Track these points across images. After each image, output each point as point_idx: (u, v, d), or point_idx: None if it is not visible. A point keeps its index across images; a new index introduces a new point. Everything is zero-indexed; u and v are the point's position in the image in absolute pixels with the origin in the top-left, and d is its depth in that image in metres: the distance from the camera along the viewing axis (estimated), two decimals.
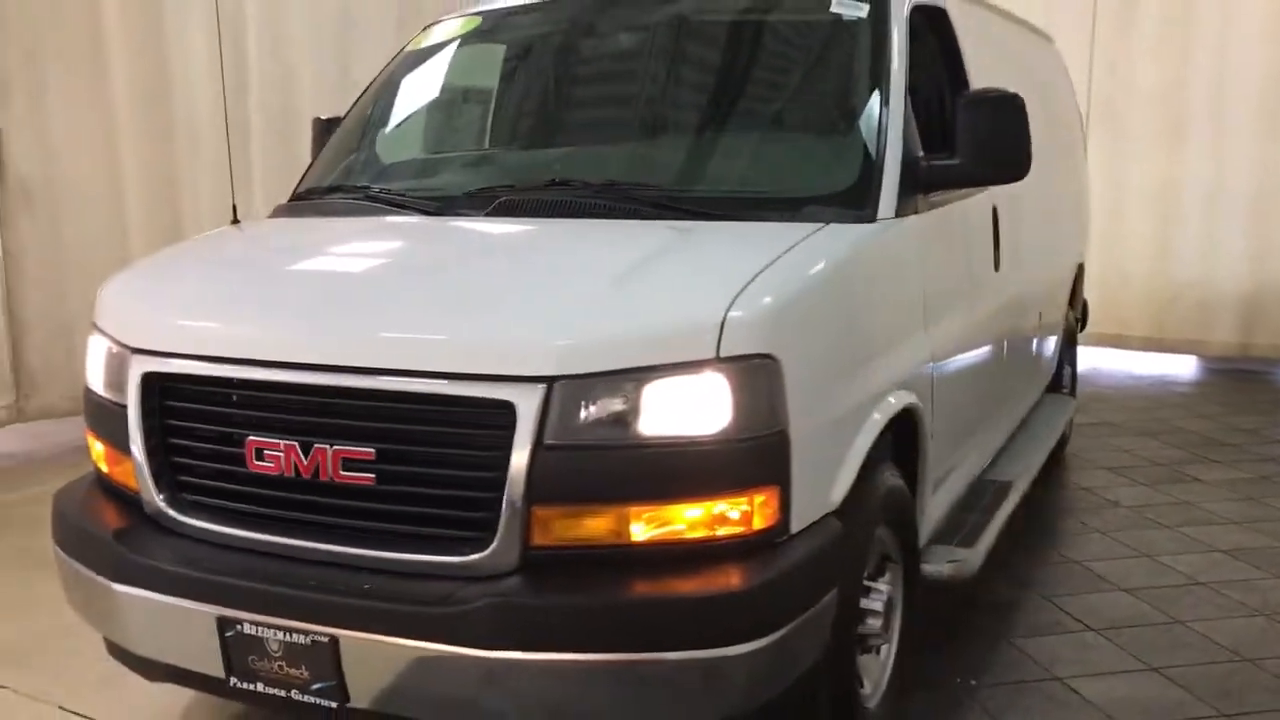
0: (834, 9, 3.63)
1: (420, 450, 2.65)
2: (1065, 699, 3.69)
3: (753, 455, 2.59)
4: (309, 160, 4.20)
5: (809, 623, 2.71)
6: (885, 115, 3.38)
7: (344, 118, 4.25)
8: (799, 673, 2.78)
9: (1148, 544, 5.09)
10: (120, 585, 2.92)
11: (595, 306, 2.69)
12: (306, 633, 2.67)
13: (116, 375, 3.09)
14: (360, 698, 2.68)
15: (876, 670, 3.33)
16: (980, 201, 4.10)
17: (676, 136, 3.71)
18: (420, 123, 4.27)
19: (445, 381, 2.59)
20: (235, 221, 3.99)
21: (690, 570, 2.59)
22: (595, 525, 2.57)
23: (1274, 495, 5.80)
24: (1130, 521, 5.40)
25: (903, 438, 3.47)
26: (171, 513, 2.96)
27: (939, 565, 3.70)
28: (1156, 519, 5.43)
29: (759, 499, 2.61)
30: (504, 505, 2.55)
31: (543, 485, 2.54)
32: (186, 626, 2.83)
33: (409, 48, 4.36)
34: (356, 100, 4.26)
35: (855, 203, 3.22)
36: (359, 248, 3.36)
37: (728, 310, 2.57)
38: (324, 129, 4.32)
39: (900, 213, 3.32)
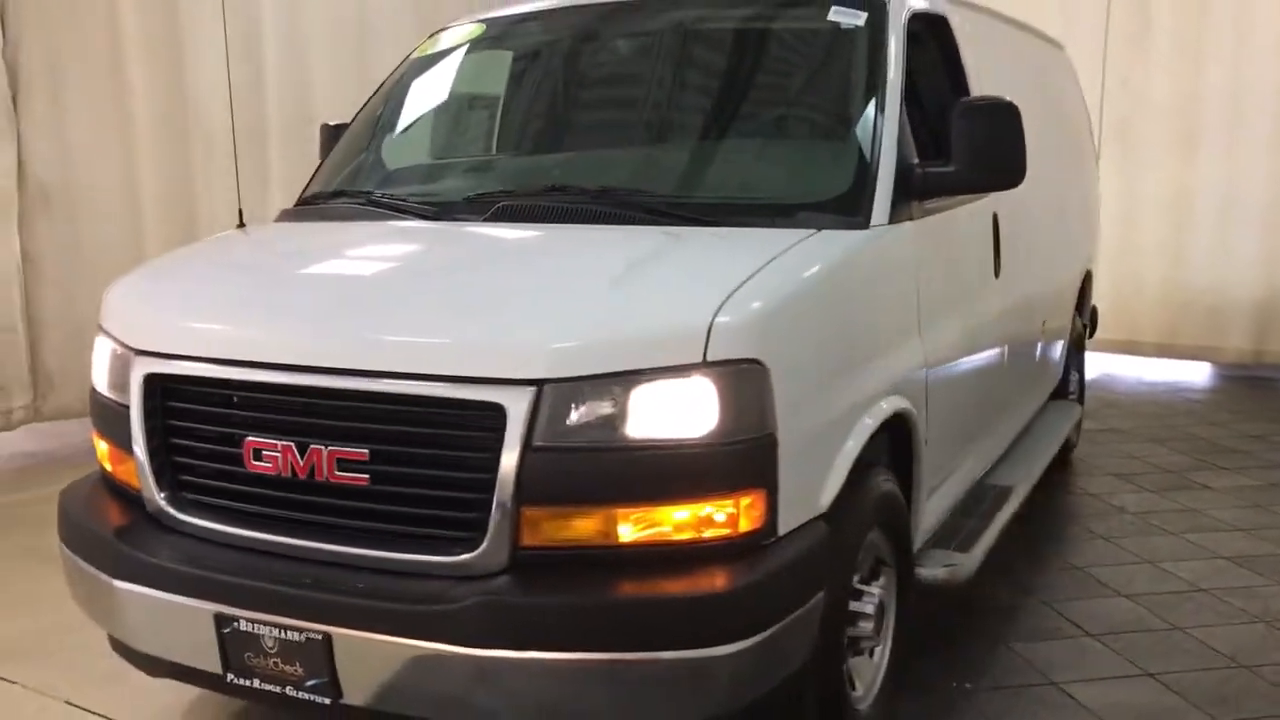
0: (831, 17, 3.67)
1: (412, 451, 2.69)
2: (1060, 703, 3.71)
3: (739, 458, 2.63)
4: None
5: (795, 624, 2.74)
6: (880, 122, 3.41)
7: (350, 124, 4.30)
8: (786, 673, 2.82)
9: (1151, 550, 5.09)
10: (121, 582, 2.98)
11: (585, 310, 2.73)
12: (300, 630, 2.72)
13: (120, 376, 3.15)
14: (353, 694, 2.73)
15: (869, 672, 3.36)
16: (980, 208, 4.12)
17: (674, 143, 3.75)
18: (424, 129, 4.33)
19: (436, 384, 2.64)
20: (241, 225, 4.04)
21: (678, 571, 2.62)
22: (584, 526, 2.61)
23: None
24: (1135, 528, 5.40)
25: (898, 442, 3.51)
26: (172, 511, 3.02)
27: (934, 569, 3.73)
28: (1161, 525, 5.43)
29: (745, 502, 2.64)
30: (494, 506, 2.60)
31: (532, 486, 2.58)
32: (185, 623, 2.88)
33: (415, 54, 4.42)
34: (363, 106, 4.32)
35: (848, 209, 3.25)
36: (357, 252, 3.41)
37: (715, 315, 2.61)
38: (331, 135, 4.39)
39: (894, 219, 3.35)
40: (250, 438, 2.86)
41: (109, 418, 3.21)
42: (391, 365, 2.69)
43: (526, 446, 2.57)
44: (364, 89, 4.52)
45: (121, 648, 3.26)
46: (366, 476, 2.74)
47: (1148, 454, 6.72)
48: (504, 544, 2.61)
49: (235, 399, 2.91)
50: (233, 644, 2.82)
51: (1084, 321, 6.68)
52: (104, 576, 3.03)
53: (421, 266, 3.23)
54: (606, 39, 4.14)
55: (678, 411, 2.59)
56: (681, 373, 2.59)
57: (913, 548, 3.58)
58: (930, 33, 4.13)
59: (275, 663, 2.78)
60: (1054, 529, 5.44)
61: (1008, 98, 3.66)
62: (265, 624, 2.76)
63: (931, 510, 3.82)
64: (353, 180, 4.00)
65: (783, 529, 2.74)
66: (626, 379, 2.58)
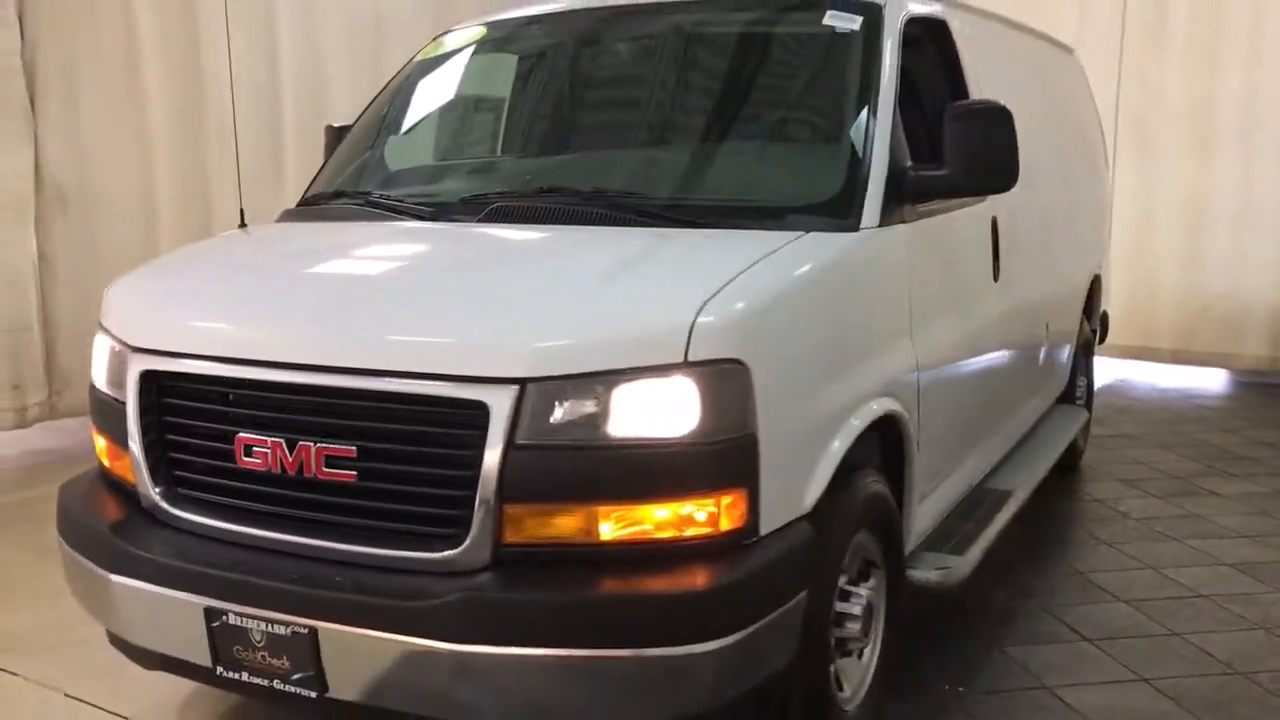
0: (827, 22, 3.68)
1: (398, 449, 2.73)
2: (1053, 707, 3.71)
3: (720, 458, 2.65)
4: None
5: (777, 623, 2.76)
6: (872, 126, 3.43)
7: (353, 125, 4.35)
8: (769, 673, 2.84)
9: (1154, 556, 5.08)
10: (115, 576, 3.03)
11: (568, 310, 2.76)
12: (287, 624, 2.75)
13: (118, 373, 3.20)
14: (339, 688, 2.76)
15: (858, 674, 3.37)
16: (978, 211, 4.12)
17: (669, 146, 3.78)
18: (426, 130, 4.36)
19: (421, 382, 2.68)
20: (243, 225, 4.09)
21: (659, 569, 2.65)
22: (565, 524, 2.64)
23: None
24: (1138, 533, 5.39)
25: (890, 444, 3.53)
26: (166, 506, 3.06)
27: (927, 572, 3.73)
28: (1165, 531, 5.41)
29: (726, 501, 2.66)
30: (477, 503, 2.63)
31: (514, 484, 2.61)
32: (176, 616, 2.92)
33: (418, 57, 4.46)
34: (366, 107, 4.36)
35: (838, 212, 3.27)
36: (350, 252, 3.45)
37: (697, 316, 2.64)
38: (335, 136, 4.43)
39: (885, 222, 3.36)
40: (241, 434, 2.90)
41: (107, 414, 3.26)
42: (377, 363, 2.72)
43: (509, 444, 2.60)
44: (378, 90, 4.57)
45: (117, 641, 3.30)
46: (353, 473, 2.77)
47: (1156, 460, 6.69)
48: (487, 541, 2.64)
49: (227, 396, 2.95)
50: (222, 637, 2.86)
51: (1093, 326, 6.65)
52: (99, 570, 3.08)
53: (411, 266, 3.27)
54: (604, 43, 4.17)
55: (659, 411, 2.61)
56: (663, 372, 2.61)
57: (904, 550, 3.58)
58: (929, 36, 4.14)
59: (263, 656, 2.82)
60: (1057, 533, 5.43)
61: (1002, 101, 3.68)
62: (253, 618, 2.80)
63: (925, 513, 3.82)
64: (353, 181, 4.05)
65: (765, 528, 2.76)
66: (608, 378, 2.61)
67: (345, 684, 2.76)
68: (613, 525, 2.63)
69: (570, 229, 3.31)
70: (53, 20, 6.74)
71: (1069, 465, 6.30)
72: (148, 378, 3.07)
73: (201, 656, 2.92)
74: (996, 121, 3.43)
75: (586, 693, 2.62)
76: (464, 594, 2.60)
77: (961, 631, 4.27)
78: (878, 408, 3.24)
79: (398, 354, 2.72)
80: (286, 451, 2.83)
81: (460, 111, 4.49)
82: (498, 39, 4.42)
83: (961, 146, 3.41)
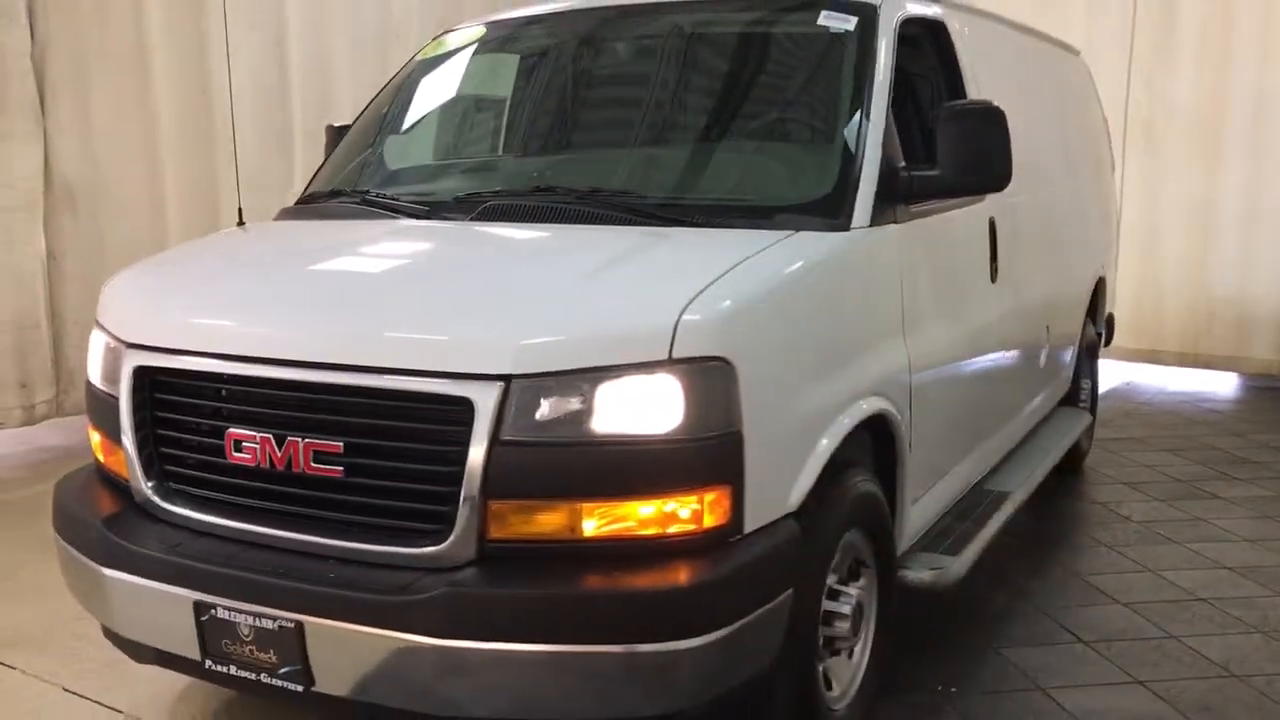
0: (822, 22, 3.69)
1: (384, 444, 2.75)
2: (1045, 709, 3.70)
3: (704, 455, 2.66)
4: None
5: (761, 621, 2.77)
6: (865, 126, 3.43)
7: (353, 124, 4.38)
8: (754, 670, 2.85)
9: (1154, 559, 5.06)
10: (108, 569, 3.05)
11: (555, 307, 2.77)
12: (274, 618, 2.77)
13: (112, 369, 3.22)
14: (325, 682, 2.78)
15: (847, 673, 3.37)
16: (975, 212, 4.12)
17: (663, 146, 3.79)
18: (423, 130, 4.39)
19: (407, 378, 2.69)
20: (241, 224, 4.12)
21: (642, 566, 2.66)
22: (549, 520, 2.65)
23: None
24: (1139, 536, 5.37)
25: (883, 444, 3.53)
26: (158, 501, 3.09)
27: (920, 572, 3.74)
28: (1167, 534, 5.39)
29: (710, 498, 2.67)
30: (461, 499, 2.64)
31: (498, 480, 2.63)
32: (166, 610, 2.95)
33: (418, 57, 4.49)
34: (365, 107, 4.39)
35: (828, 211, 3.28)
36: (342, 249, 3.47)
37: (681, 313, 2.65)
38: (336, 135, 4.46)
39: (877, 222, 3.36)
40: (231, 429, 2.92)
41: (101, 409, 3.29)
42: (364, 359, 2.74)
43: (494, 441, 2.61)
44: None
45: (112, 634, 3.32)
46: (341, 469, 2.79)
47: (1161, 463, 6.67)
48: (472, 537, 2.66)
49: (218, 391, 2.98)
50: (210, 631, 2.88)
51: (1098, 329, 6.63)
52: (92, 564, 3.10)
53: (401, 264, 3.29)
54: (600, 43, 4.18)
55: (643, 408, 2.62)
56: (647, 369, 2.62)
57: (895, 550, 3.58)
58: (927, 37, 4.14)
59: (250, 650, 2.84)
60: (1058, 535, 5.42)
61: (1001, 102, 3.68)
62: (241, 612, 2.82)
63: (919, 513, 3.82)
64: (351, 180, 4.07)
65: (750, 526, 2.76)
66: (593, 375, 2.62)
67: (331, 678, 2.77)
68: (596, 522, 2.64)
69: (562, 228, 3.32)
70: (62, 20, 6.78)
71: (1072, 468, 6.29)
72: (140, 373, 3.10)
73: (191, 650, 2.94)
74: (989, 122, 3.44)
75: (569, 688, 2.63)
76: (447, 589, 2.61)
77: (957, 632, 4.27)
78: (868, 407, 3.24)
79: (384, 350, 2.74)
80: (275, 447, 2.85)
81: (458, 111, 4.51)
82: (495, 39, 4.44)
83: (954, 147, 3.42)
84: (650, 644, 2.59)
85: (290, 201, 4.13)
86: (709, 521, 2.68)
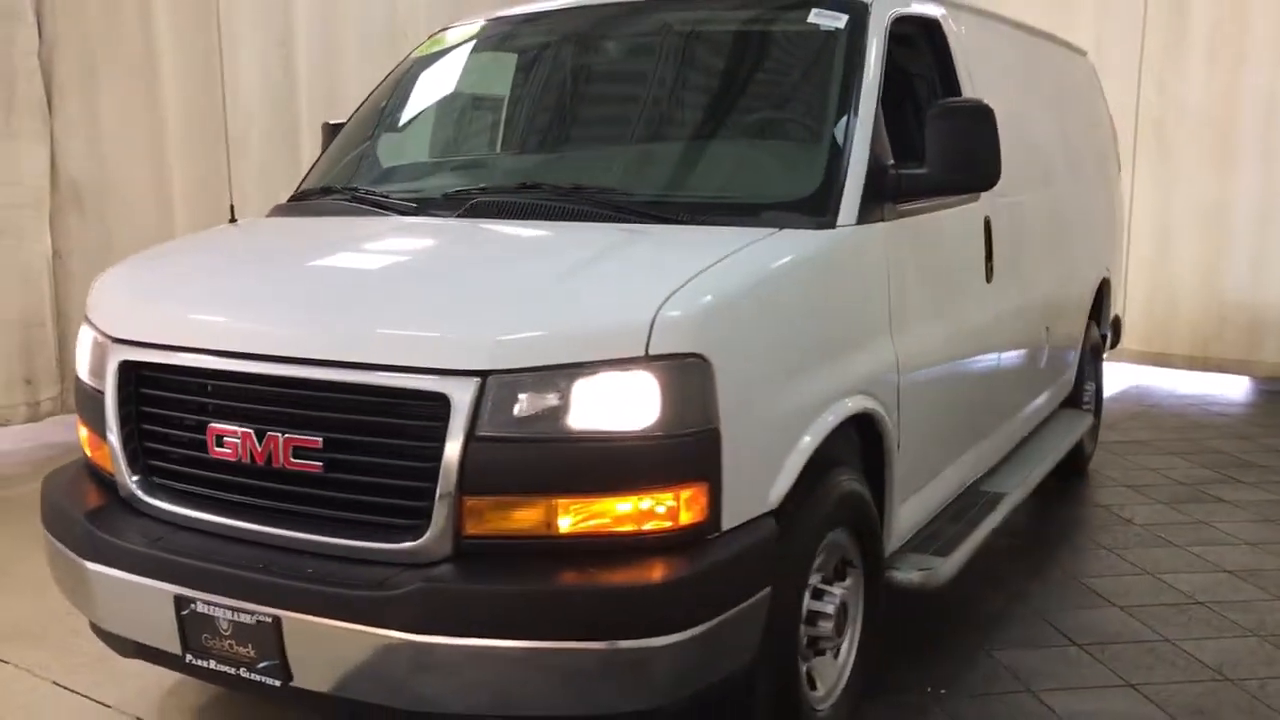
0: (812, 20, 3.68)
1: (362, 440, 2.75)
2: (1035, 711, 3.67)
3: (680, 452, 2.65)
4: None
5: (739, 619, 2.76)
6: (852, 124, 3.42)
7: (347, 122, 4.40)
8: (731, 668, 2.84)
9: (1153, 562, 5.02)
10: (91, 563, 3.06)
11: (532, 303, 2.77)
12: (252, 613, 2.78)
13: (99, 364, 3.24)
14: (302, 677, 2.78)
15: (832, 673, 3.36)
16: (969, 211, 4.10)
17: (649, 143, 3.78)
18: (415, 127, 4.39)
19: (384, 373, 2.69)
20: (233, 220, 4.14)
21: (618, 562, 2.65)
22: (525, 516, 2.65)
23: None
24: (1140, 539, 5.33)
25: (873, 444, 3.51)
26: (142, 495, 3.10)
27: (909, 572, 3.71)
28: (1168, 538, 5.35)
29: (686, 495, 2.66)
30: (438, 495, 2.64)
31: (474, 476, 2.62)
32: (148, 604, 2.95)
33: (414, 54, 4.50)
34: (360, 105, 4.40)
35: (814, 209, 3.27)
36: (327, 246, 3.48)
37: (658, 310, 2.64)
38: (331, 132, 4.48)
39: (864, 220, 3.35)
40: (213, 424, 2.93)
41: (88, 404, 3.30)
42: (342, 355, 2.75)
43: (470, 436, 2.61)
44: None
45: (97, 629, 3.34)
46: (320, 464, 2.79)
47: (1166, 466, 6.62)
48: (448, 532, 2.65)
49: (200, 386, 2.99)
50: (191, 625, 2.89)
51: (1103, 331, 6.59)
52: (76, 558, 3.12)
53: (383, 260, 3.30)
54: (590, 42, 4.18)
55: (619, 404, 2.62)
56: (623, 366, 2.61)
57: (883, 550, 3.56)
58: (922, 36, 4.13)
59: (230, 644, 2.84)
60: (1058, 538, 5.39)
61: (998, 102, 3.67)
62: (220, 606, 2.82)
63: (909, 513, 3.80)
64: (343, 177, 4.08)
65: (727, 523, 2.75)
66: (570, 371, 2.62)
67: (309, 673, 2.77)
68: (572, 518, 2.64)
69: (546, 224, 3.32)
70: (70, 20, 6.83)
71: (1076, 470, 6.26)
72: (125, 368, 3.11)
73: (172, 644, 2.95)
74: (978, 120, 3.42)
75: (544, 684, 2.63)
76: (422, 585, 2.61)
77: (950, 634, 4.24)
78: (853, 405, 3.23)
79: (362, 345, 2.74)
80: (256, 442, 2.86)
81: (452, 108, 4.51)
82: (489, 37, 4.45)
83: (943, 145, 3.40)
84: (625, 640, 2.59)
85: None
86: (685, 518, 2.67)
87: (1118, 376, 9.00)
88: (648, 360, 2.61)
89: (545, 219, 3.35)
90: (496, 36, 4.44)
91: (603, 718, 2.75)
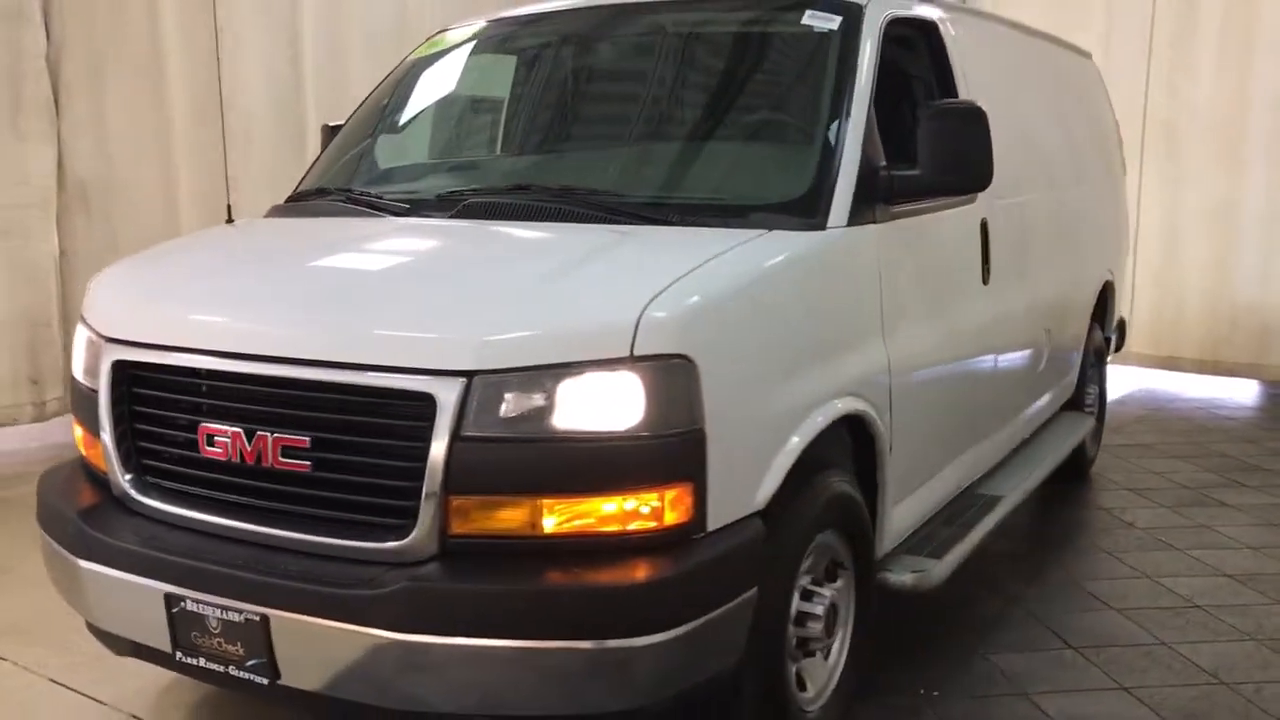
0: (805, 21, 3.68)
1: (349, 439, 2.76)
2: (1027, 714, 3.67)
3: (665, 452, 2.66)
4: None
5: (724, 619, 2.77)
6: (844, 126, 3.42)
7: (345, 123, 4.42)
8: (717, 668, 2.85)
9: (1153, 565, 5.01)
10: (84, 561, 3.09)
11: (518, 304, 2.78)
12: (240, 611, 2.79)
13: (93, 363, 3.26)
14: (290, 676, 2.80)
15: (822, 674, 3.36)
16: (965, 213, 4.10)
17: (641, 145, 3.79)
18: (411, 128, 4.41)
19: (371, 373, 2.71)
20: (230, 221, 4.17)
21: (602, 562, 2.66)
22: (510, 516, 2.66)
23: None
24: (1140, 543, 5.32)
25: (865, 446, 3.51)
26: (134, 494, 3.12)
27: (901, 574, 3.71)
28: (1169, 541, 5.33)
29: (671, 495, 2.67)
30: (424, 494, 2.65)
31: (460, 476, 2.63)
32: (139, 602, 2.98)
33: (411, 56, 4.52)
34: (358, 107, 4.42)
35: (804, 211, 3.28)
36: (319, 246, 3.49)
37: (643, 311, 2.65)
38: (330, 134, 4.50)
39: (855, 222, 3.35)
40: (204, 424, 2.95)
41: (83, 404, 3.32)
42: (330, 355, 2.76)
43: (455, 436, 2.62)
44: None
45: (93, 627, 3.36)
46: (308, 463, 2.81)
47: (1171, 470, 6.59)
48: (434, 532, 2.67)
49: (191, 386, 3.00)
50: (181, 623, 2.91)
51: (1106, 334, 6.57)
52: (70, 556, 3.14)
53: (374, 260, 3.32)
54: (583, 44, 4.20)
55: (604, 405, 2.63)
56: (608, 366, 2.62)
57: (875, 552, 3.56)
58: (919, 38, 4.13)
59: (219, 642, 2.86)
60: (1059, 541, 5.38)
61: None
62: (209, 604, 2.84)
63: (902, 515, 3.79)
64: (338, 178, 4.10)
65: (713, 524, 2.76)
66: (555, 372, 2.63)
67: (296, 672, 2.79)
68: (557, 518, 2.65)
69: (537, 225, 3.34)
70: (78, 21, 6.87)
71: (1078, 474, 6.24)
72: (118, 367, 3.13)
73: (162, 642, 2.97)
74: (970, 122, 3.43)
75: (528, 683, 2.64)
76: (408, 584, 2.62)
77: (946, 636, 4.24)
78: (843, 406, 3.23)
79: (349, 345, 2.76)
80: (245, 441, 2.87)
81: (449, 109, 4.53)
82: (486, 39, 4.46)
83: (935, 147, 3.41)
84: (608, 640, 2.60)
85: None
86: (670, 519, 2.68)
87: (1126, 380, 8.97)
88: (632, 361, 2.62)
89: (537, 220, 3.36)
90: (494, 38, 4.45)
91: (590, 718, 2.77)
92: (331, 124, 4.54)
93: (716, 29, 3.93)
